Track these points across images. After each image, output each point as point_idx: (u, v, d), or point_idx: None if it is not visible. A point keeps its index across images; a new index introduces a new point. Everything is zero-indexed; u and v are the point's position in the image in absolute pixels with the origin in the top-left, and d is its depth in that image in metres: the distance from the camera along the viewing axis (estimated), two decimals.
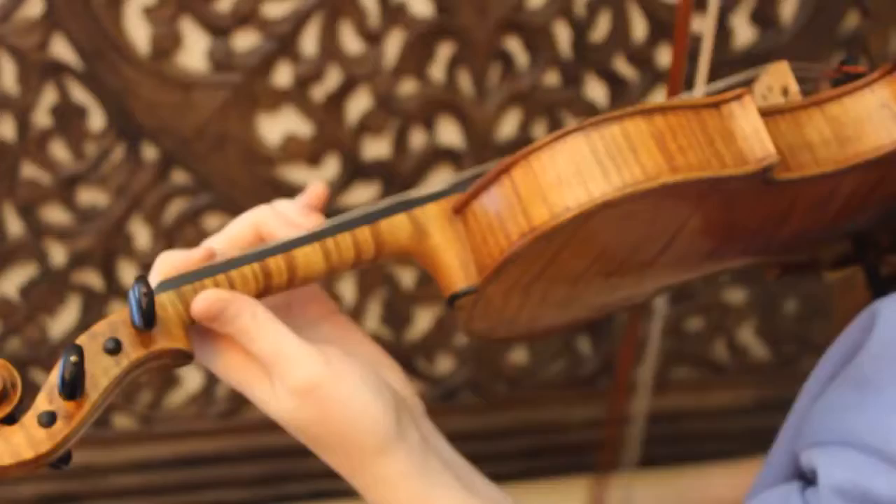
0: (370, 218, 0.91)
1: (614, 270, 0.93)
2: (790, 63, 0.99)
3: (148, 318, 0.84)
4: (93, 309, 1.53)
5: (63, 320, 1.53)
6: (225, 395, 1.59)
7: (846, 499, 0.82)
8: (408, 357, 1.62)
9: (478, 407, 1.65)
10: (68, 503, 1.57)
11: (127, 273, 1.53)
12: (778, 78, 0.98)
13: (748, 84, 1.00)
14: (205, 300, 0.87)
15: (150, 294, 0.84)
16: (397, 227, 0.91)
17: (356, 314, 1.58)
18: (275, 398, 0.88)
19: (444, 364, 1.64)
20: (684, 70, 1.01)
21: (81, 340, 0.84)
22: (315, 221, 0.95)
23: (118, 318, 0.86)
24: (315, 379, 0.87)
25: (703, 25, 1.05)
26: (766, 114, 0.90)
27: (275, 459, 1.57)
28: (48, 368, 1.52)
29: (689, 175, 0.85)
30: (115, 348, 0.84)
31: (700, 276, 1.04)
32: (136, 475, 1.58)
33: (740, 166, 0.87)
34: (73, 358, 0.81)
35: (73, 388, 0.81)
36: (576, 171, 0.85)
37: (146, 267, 1.52)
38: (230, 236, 0.95)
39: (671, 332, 1.67)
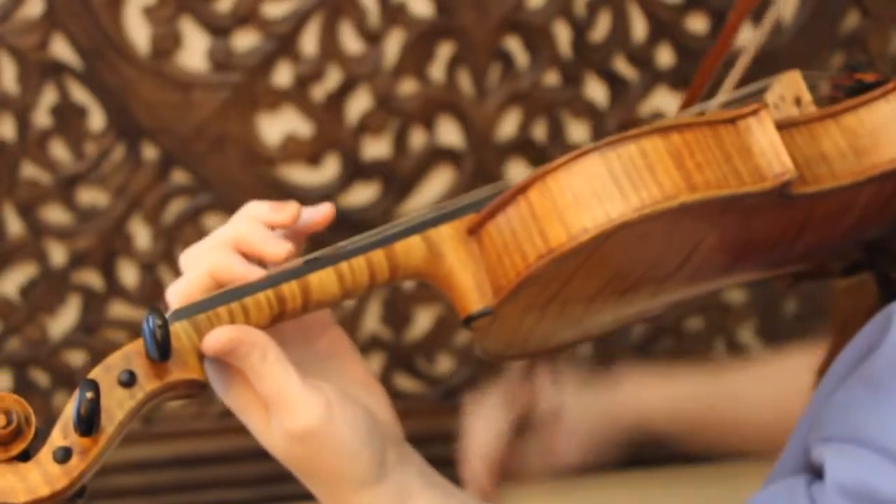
0: (384, 241, 0.90)
1: (629, 288, 0.93)
2: (801, 72, 0.99)
3: (163, 350, 0.83)
4: (93, 309, 1.52)
5: (63, 320, 1.53)
6: None
7: (850, 496, 0.83)
8: (408, 357, 1.62)
9: None
10: None
11: (127, 273, 1.52)
12: (790, 87, 0.98)
13: (759, 94, 0.99)
14: (216, 340, 0.85)
15: (164, 326, 0.83)
16: (412, 248, 0.90)
17: (356, 314, 1.58)
18: (269, 434, 0.89)
19: (444, 364, 1.63)
20: (706, 86, 1.00)
21: (96, 374, 0.82)
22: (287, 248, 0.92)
23: (132, 349, 0.84)
24: (311, 427, 0.87)
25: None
26: (782, 127, 0.89)
27: (275, 459, 1.57)
28: (48, 368, 1.52)
29: (707, 193, 0.84)
30: (129, 381, 0.82)
31: (715, 289, 1.03)
32: (136, 475, 1.58)
33: (758, 183, 0.86)
34: (88, 394, 0.79)
35: (89, 423, 0.80)
36: (593, 192, 0.84)
37: (146, 267, 1.52)
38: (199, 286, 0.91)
39: (671, 332, 1.67)
